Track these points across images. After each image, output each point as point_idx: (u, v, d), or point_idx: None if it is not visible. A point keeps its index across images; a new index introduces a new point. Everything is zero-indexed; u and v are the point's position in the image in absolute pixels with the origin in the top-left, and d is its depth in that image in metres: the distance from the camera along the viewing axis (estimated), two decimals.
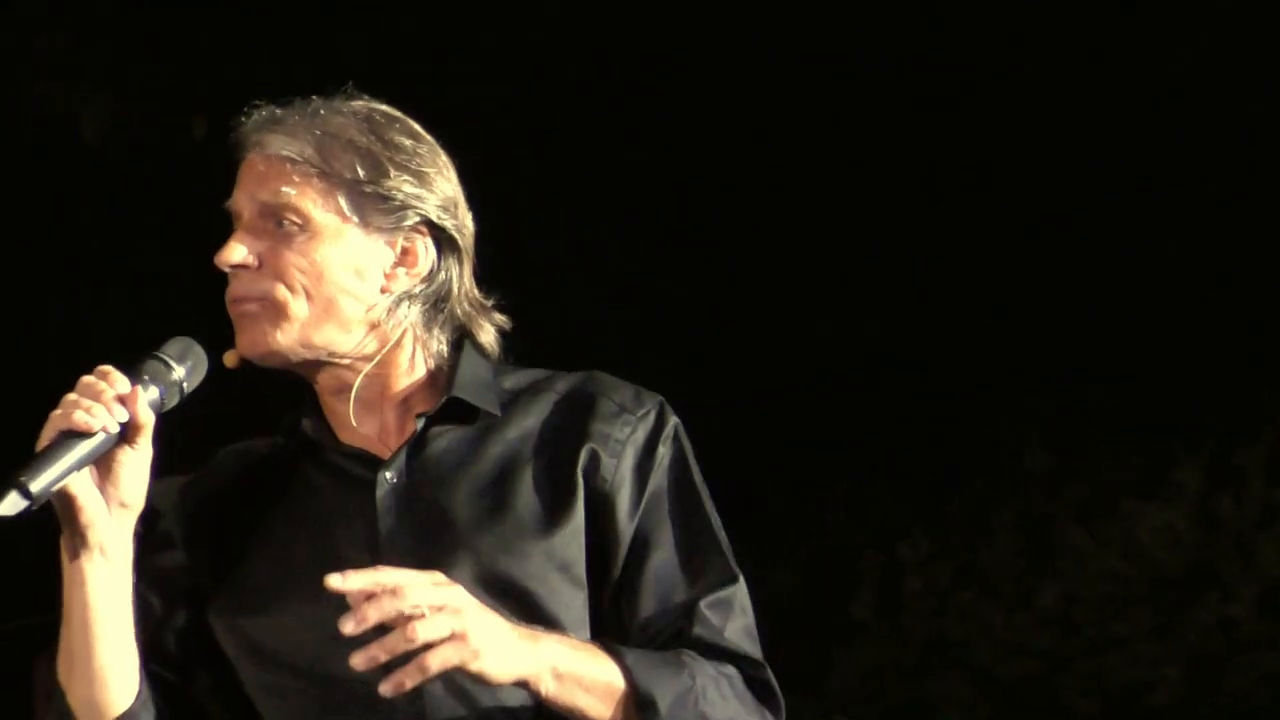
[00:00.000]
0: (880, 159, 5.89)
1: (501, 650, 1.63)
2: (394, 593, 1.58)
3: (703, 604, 1.78)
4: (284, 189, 1.77)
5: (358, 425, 1.82)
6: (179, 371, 1.70)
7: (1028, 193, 6.02)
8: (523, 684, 1.66)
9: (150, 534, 1.82)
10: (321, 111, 1.82)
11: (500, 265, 1.97)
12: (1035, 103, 6.09)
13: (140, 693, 1.73)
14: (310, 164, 1.78)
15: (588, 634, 1.76)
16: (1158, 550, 4.98)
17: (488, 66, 6.48)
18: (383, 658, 1.57)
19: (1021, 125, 6.04)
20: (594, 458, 1.79)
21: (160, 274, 5.54)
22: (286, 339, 1.77)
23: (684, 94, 6.09)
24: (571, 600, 1.76)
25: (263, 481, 1.88)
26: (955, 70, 6.15)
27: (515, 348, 1.92)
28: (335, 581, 1.57)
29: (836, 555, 5.28)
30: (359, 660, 1.57)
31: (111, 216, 5.63)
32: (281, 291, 1.76)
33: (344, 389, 1.82)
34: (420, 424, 1.79)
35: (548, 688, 1.65)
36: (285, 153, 1.77)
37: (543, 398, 1.85)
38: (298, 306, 1.77)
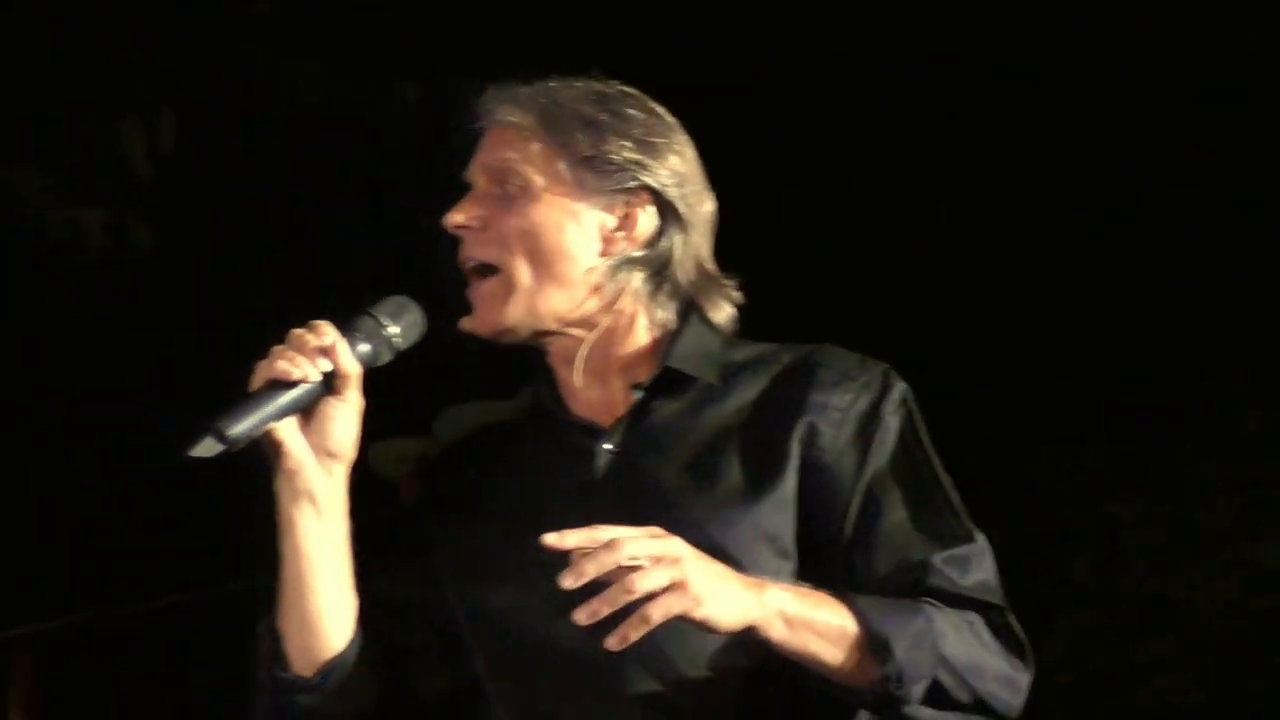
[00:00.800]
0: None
1: (725, 597, 1.61)
2: (610, 546, 1.57)
3: (938, 559, 1.73)
4: (508, 154, 1.82)
5: (585, 393, 1.83)
6: (392, 329, 1.73)
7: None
8: (752, 630, 1.63)
9: (401, 514, 1.93)
10: (554, 85, 1.85)
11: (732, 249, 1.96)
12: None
13: (354, 639, 1.75)
14: (533, 130, 1.82)
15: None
16: None
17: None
18: (604, 611, 1.56)
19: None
20: (811, 429, 1.77)
21: (373, 236, 5.69)
22: (515, 311, 1.80)
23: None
24: (779, 570, 1.73)
25: (495, 451, 1.91)
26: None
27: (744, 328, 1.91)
28: (551, 539, 1.57)
29: (1053, 516, 5.25)
30: (581, 615, 1.55)
31: (325, 180, 5.74)
32: (503, 255, 1.80)
33: (572, 358, 1.83)
34: (638, 395, 1.80)
35: (778, 633, 1.62)
36: (511, 119, 1.82)
37: (766, 369, 1.83)
38: (520, 272, 1.79)
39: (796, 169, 5.77)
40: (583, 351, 1.82)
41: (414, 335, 1.77)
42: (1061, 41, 5.82)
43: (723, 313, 1.86)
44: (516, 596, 1.77)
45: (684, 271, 1.83)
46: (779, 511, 1.75)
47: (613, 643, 1.56)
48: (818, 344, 1.87)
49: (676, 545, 1.61)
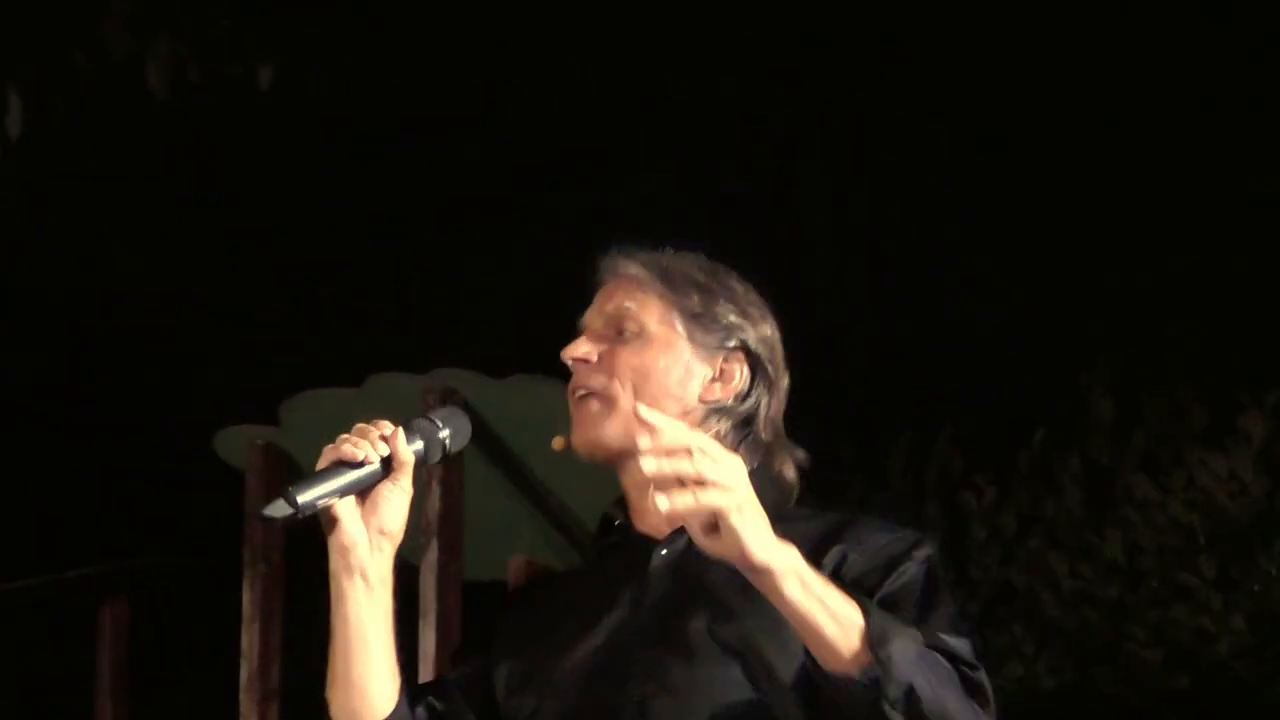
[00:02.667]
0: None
1: (760, 527, 1.73)
2: (688, 450, 1.71)
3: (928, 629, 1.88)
4: (628, 303, 2.03)
5: (656, 515, 1.93)
6: (444, 431, 1.99)
7: (1088, 145, 6.03)
8: (769, 575, 1.74)
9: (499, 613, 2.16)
10: (671, 251, 2.07)
11: None
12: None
13: (399, 708, 1.95)
14: (652, 285, 2.03)
15: (802, 692, 1.84)
16: (1222, 499, 4.93)
17: None
18: (666, 469, 1.70)
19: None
20: (843, 555, 1.92)
21: (226, 222, 5.65)
22: (613, 429, 1.98)
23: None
24: (792, 660, 1.85)
25: (575, 573, 2.26)
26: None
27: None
28: (645, 413, 1.74)
29: (901, 505, 5.26)
30: (648, 464, 1.70)
31: (179, 164, 5.72)
32: (613, 385, 1.99)
33: (648, 484, 1.90)
34: (680, 542, 1.95)
35: (791, 588, 1.74)
36: (634, 272, 2.04)
37: (817, 519, 2.00)
38: (625, 400, 1.98)
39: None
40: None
41: (462, 441, 2.04)
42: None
43: (790, 471, 2.05)
44: (557, 697, 1.97)
45: (764, 428, 2.03)
46: None
47: (663, 501, 1.70)
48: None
49: (743, 474, 1.74)
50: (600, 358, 2.04)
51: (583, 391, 2.03)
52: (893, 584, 1.92)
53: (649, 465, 1.74)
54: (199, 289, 6.43)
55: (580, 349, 2.04)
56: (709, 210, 6.21)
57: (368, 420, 3.52)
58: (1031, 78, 6.30)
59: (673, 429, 1.78)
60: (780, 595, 1.78)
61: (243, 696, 4.62)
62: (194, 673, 6.75)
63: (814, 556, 1.90)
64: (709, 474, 1.72)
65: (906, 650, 1.79)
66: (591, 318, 2.08)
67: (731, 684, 1.92)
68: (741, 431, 2.04)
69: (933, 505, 5.11)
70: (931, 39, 6.55)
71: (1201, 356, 4.98)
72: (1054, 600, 5.00)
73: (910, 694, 1.79)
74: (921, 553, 1.94)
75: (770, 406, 2.05)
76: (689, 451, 1.74)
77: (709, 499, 1.72)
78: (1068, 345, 4.96)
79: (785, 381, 2.09)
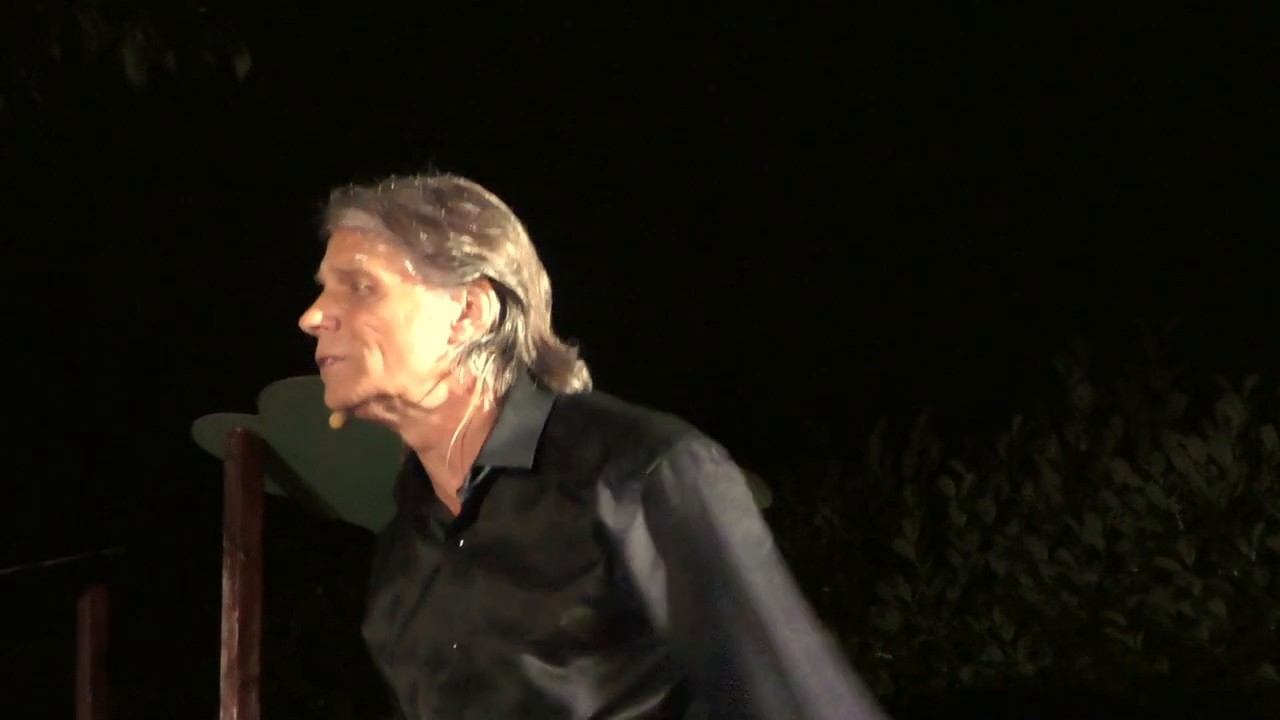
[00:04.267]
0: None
1: None
2: None
3: None
4: (356, 256, 1.93)
5: (445, 481, 1.96)
6: None
7: (1067, 135, 5.97)
8: None
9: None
10: (393, 187, 1.95)
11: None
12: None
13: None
14: (378, 232, 1.93)
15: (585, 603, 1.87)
16: (1200, 484, 4.81)
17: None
18: None
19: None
20: (599, 524, 1.88)
21: (203, 211, 5.57)
22: (363, 390, 1.93)
23: None
24: (571, 574, 1.88)
25: (393, 538, 2.11)
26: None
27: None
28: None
29: (879, 490, 5.14)
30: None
31: (153, 152, 5.62)
32: (357, 347, 1.92)
33: (428, 446, 1.97)
34: (462, 499, 1.94)
35: None
36: (356, 224, 1.93)
37: (576, 454, 1.93)
38: (373, 360, 1.92)
39: None
40: (452, 439, 1.96)
41: None
42: None
43: (574, 381, 1.97)
44: (402, 661, 2.01)
45: (527, 349, 1.95)
46: (573, 594, 1.91)
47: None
48: (624, 415, 1.95)
49: None
50: (338, 322, 1.95)
51: (329, 360, 1.95)
52: (659, 549, 1.90)
53: None
54: (175, 278, 6.33)
55: (315, 317, 1.95)
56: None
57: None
58: (1024, 60, 6.25)
59: None
60: None
61: (223, 684, 4.45)
62: (173, 661, 6.69)
63: (573, 516, 1.89)
64: None
65: None
66: (325, 275, 1.98)
67: (536, 611, 1.90)
68: (504, 359, 1.96)
69: (911, 490, 4.98)
70: None
71: (1178, 341, 4.89)
72: (1033, 585, 4.87)
73: None
74: (670, 485, 1.90)
75: (529, 325, 1.97)
76: None
77: None
78: (1045, 331, 4.88)
79: (543, 289, 2.00)
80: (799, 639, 1.87)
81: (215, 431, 4.49)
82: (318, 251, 2.04)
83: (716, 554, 1.86)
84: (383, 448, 3.97)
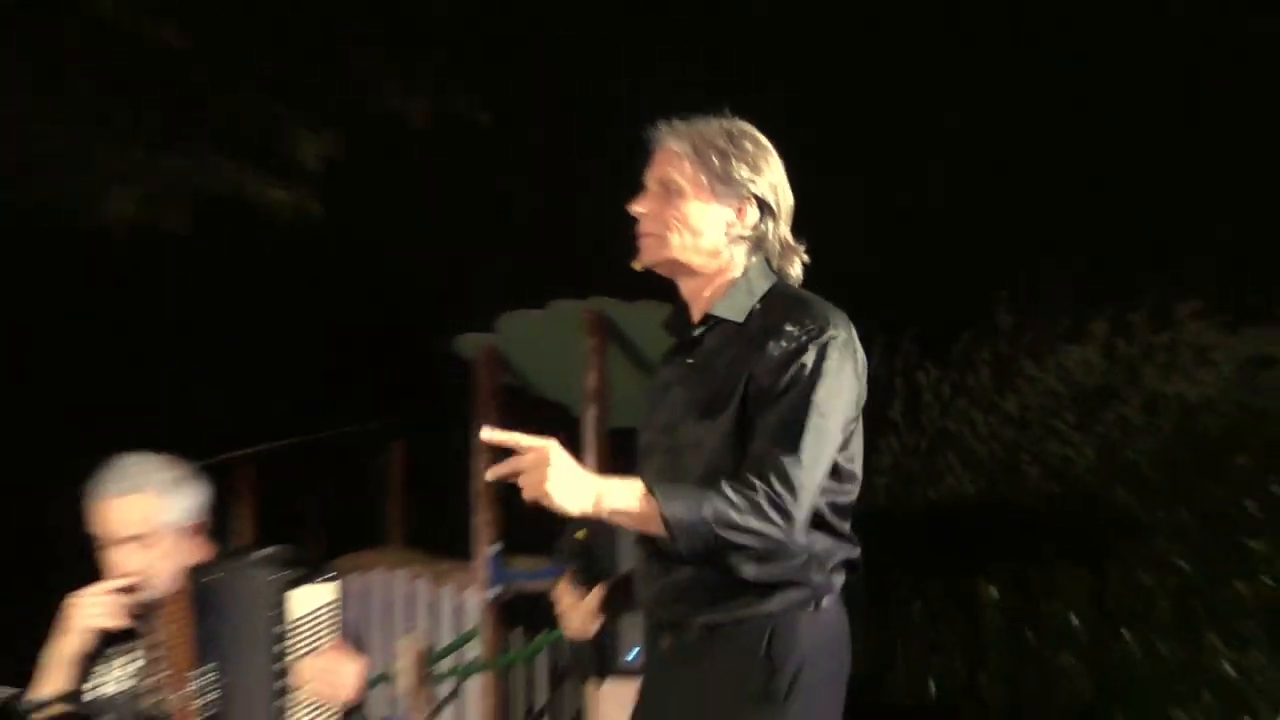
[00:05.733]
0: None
1: (568, 496, 2.30)
2: (517, 455, 2.32)
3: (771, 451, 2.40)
4: (669, 168, 2.54)
5: (694, 322, 2.57)
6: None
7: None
8: (585, 513, 2.32)
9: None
10: (701, 124, 2.55)
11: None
12: None
13: None
14: (686, 155, 2.53)
15: (729, 459, 2.40)
16: (1080, 375, 6.71)
17: None
18: (504, 473, 2.32)
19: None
20: (758, 362, 2.42)
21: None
22: (664, 255, 2.54)
23: None
24: (713, 436, 2.45)
25: (668, 356, 2.67)
26: None
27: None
28: (485, 435, 2.32)
29: (878, 381, 7.17)
30: (492, 473, 2.30)
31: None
32: (663, 229, 2.52)
33: (692, 298, 2.58)
34: (694, 335, 2.54)
35: (604, 515, 2.35)
36: (672, 145, 2.55)
37: (769, 319, 2.47)
38: (673, 238, 2.53)
39: None
40: (705, 295, 2.55)
41: None
42: None
43: (794, 268, 2.57)
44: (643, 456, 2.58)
45: (774, 243, 2.54)
46: (731, 410, 2.46)
47: (491, 474, 2.32)
48: (796, 295, 2.51)
49: (549, 463, 2.29)
50: (654, 211, 2.51)
51: (645, 235, 2.52)
52: (775, 386, 2.40)
53: (492, 474, 2.27)
54: (456, 245, 8.51)
55: (640, 205, 2.52)
56: None
57: (555, 330, 5.25)
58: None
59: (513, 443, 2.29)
60: (603, 517, 2.33)
61: (478, 497, 6.42)
62: (448, 494, 7.82)
63: (755, 347, 2.41)
64: (523, 479, 2.28)
65: (681, 518, 2.32)
66: (648, 180, 2.54)
67: (714, 410, 2.43)
68: (754, 249, 2.53)
69: (899, 380, 7.03)
70: None
71: (1068, 283, 6.69)
72: (974, 438, 6.84)
73: (693, 540, 2.31)
74: (809, 349, 2.42)
75: (777, 228, 2.52)
76: (519, 467, 2.27)
77: (529, 492, 2.29)
78: (983, 278, 6.92)
79: (788, 205, 2.54)
80: (806, 447, 2.37)
81: (472, 345, 6.50)
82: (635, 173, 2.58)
83: (802, 394, 2.39)
84: (561, 359, 6.00)
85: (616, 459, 6.05)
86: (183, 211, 7.32)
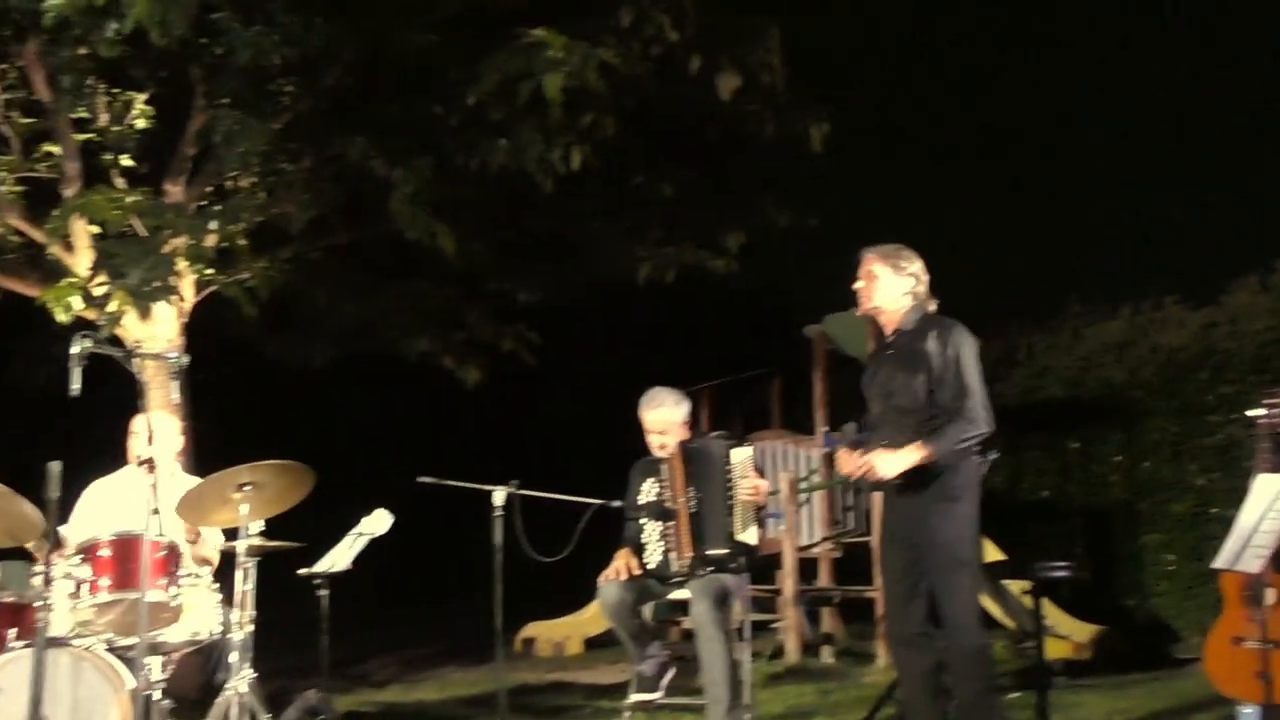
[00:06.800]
0: None
1: (888, 468, 5.63)
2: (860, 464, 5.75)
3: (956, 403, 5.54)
4: (872, 268, 6.00)
5: (889, 334, 5.88)
6: None
7: None
8: (897, 472, 5.58)
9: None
10: (883, 247, 5.93)
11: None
12: None
13: None
14: (876, 260, 6.02)
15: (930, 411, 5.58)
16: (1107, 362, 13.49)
17: None
18: (858, 473, 5.69)
19: None
20: (930, 347, 5.59)
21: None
22: (871, 306, 6.00)
23: None
24: (923, 394, 5.68)
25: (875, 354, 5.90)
26: None
27: None
28: (842, 462, 5.70)
29: None
30: (846, 470, 5.70)
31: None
32: (869, 295, 5.94)
33: (887, 324, 6.03)
34: (889, 340, 5.85)
35: (909, 467, 5.53)
36: (872, 256, 6.01)
37: (926, 326, 5.75)
38: (876, 298, 5.96)
39: None
40: (889, 321, 5.98)
41: None
42: None
43: (932, 306, 5.87)
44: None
45: (926, 296, 5.87)
46: (923, 378, 5.63)
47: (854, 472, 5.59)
48: (940, 318, 5.72)
49: (875, 462, 5.56)
50: (867, 286, 5.76)
51: (862, 297, 5.75)
52: (943, 363, 5.54)
53: (846, 470, 5.44)
54: (811, 282, 13.47)
55: (859, 284, 5.73)
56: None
57: (850, 321, 11.69)
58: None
59: (849, 464, 5.37)
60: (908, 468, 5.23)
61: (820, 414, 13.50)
62: (802, 405, 12.93)
63: (917, 339, 5.60)
64: (866, 473, 5.49)
65: (941, 448, 5.49)
66: (861, 274, 5.79)
67: (908, 383, 5.60)
68: (912, 299, 5.75)
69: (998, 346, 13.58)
70: None
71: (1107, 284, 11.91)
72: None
73: (946, 455, 5.51)
74: (952, 345, 5.56)
75: (921, 286, 5.77)
76: (855, 470, 5.50)
77: (868, 477, 5.55)
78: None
79: (925, 276, 5.71)
80: (970, 394, 5.48)
81: (812, 329, 12.94)
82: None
83: (959, 356, 5.63)
84: (853, 334, 13.20)
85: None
86: (666, 273, 11.85)
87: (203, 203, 10.83)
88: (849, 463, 5.69)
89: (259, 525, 6.54)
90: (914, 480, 5.65)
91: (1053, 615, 10.68)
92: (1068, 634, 10.82)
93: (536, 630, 13.58)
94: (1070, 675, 9.45)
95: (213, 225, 10.12)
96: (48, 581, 5.86)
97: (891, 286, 6.01)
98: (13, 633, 6.31)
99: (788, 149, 10.98)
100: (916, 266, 6.00)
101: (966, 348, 5.78)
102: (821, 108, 10.64)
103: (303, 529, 6.93)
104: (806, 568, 12.10)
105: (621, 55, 9.37)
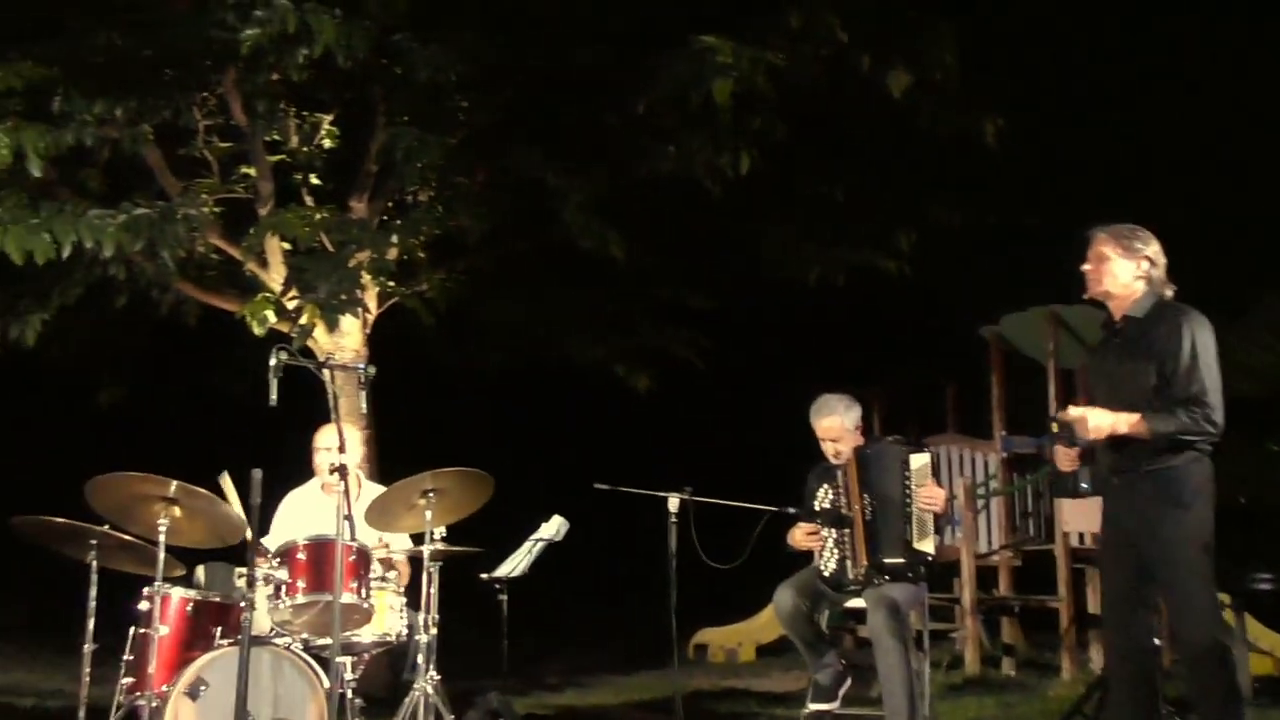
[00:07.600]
0: None
1: (1102, 426, 5.36)
2: (1075, 422, 5.49)
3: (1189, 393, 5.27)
4: (1102, 249, 5.67)
5: (1117, 322, 5.57)
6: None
7: None
8: (1113, 432, 5.28)
9: None
10: (1116, 226, 5.62)
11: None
12: None
13: None
14: (1108, 241, 5.68)
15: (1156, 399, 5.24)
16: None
17: None
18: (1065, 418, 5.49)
19: None
20: (1163, 333, 5.33)
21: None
22: (1098, 289, 5.66)
23: None
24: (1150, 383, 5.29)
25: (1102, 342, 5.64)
26: None
27: None
28: (1059, 415, 5.26)
29: None
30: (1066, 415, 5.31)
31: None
32: (1099, 277, 5.66)
33: (1116, 310, 5.66)
34: (1117, 327, 5.51)
35: (1123, 433, 5.32)
36: (1103, 236, 5.68)
37: (1162, 313, 5.43)
38: (1106, 282, 5.64)
39: None
40: (1119, 307, 5.58)
41: None
42: None
43: (1168, 291, 5.55)
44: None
45: (1160, 279, 5.56)
46: (1154, 368, 5.27)
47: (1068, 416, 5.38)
48: (1178, 305, 5.42)
49: (1088, 414, 5.33)
50: (1095, 269, 5.53)
51: (1091, 281, 5.48)
52: (1176, 354, 5.24)
53: (1062, 416, 5.26)
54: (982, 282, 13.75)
55: (1086, 267, 5.47)
56: None
57: (1029, 322, 12.15)
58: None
59: (1077, 418, 5.06)
60: (1125, 435, 4.99)
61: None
62: (978, 407, 12.91)
63: (1148, 327, 5.30)
64: (1085, 431, 5.25)
65: (1159, 427, 5.24)
66: (1090, 256, 5.53)
67: (1138, 371, 5.24)
68: (1147, 282, 5.46)
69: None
70: None
71: None
72: None
73: (1163, 435, 5.29)
74: (1184, 327, 5.21)
75: (1158, 269, 5.48)
76: (1075, 422, 5.22)
77: (1082, 431, 5.31)
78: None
79: (1163, 259, 5.46)
80: (1198, 374, 5.23)
81: (989, 331, 12.95)
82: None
83: (1194, 348, 5.29)
84: (1033, 336, 13.17)
85: (1060, 383, 11.51)
86: (836, 273, 12.14)
87: (384, 217, 11.25)
88: (1065, 459, 5.57)
89: (442, 531, 6.72)
90: (1142, 485, 5.44)
91: (1252, 629, 10.40)
92: (1269, 649, 10.68)
93: (709, 636, 13.69)
94: (1271, 694, 9.27)
95: (394, 239, 10.49)
96: (251, 583, 6.04)
97: (1122, 269, 5.70)
98: (218, 631, 6.54)
99: (958, 146, 11.02)
100: (1153, 249, 5.69)
101: (1205, 339, 5.44)
102: (989, 103, 10.65)
103: (482, 534, 7.03)
104: (985, 576, 12.02)
105: (790, 58, 9.48)
